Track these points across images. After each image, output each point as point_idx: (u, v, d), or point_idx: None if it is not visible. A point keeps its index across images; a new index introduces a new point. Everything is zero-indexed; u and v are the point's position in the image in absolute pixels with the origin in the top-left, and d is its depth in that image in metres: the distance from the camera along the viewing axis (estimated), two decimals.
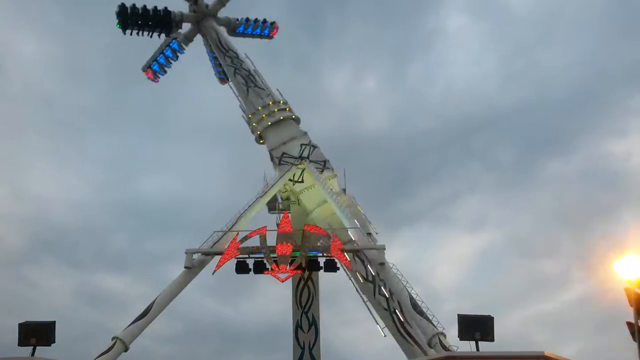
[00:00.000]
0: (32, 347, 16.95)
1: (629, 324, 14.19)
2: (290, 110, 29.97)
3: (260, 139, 29.96)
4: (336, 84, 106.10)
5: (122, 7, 31.61)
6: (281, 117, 29.33)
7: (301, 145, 27.52)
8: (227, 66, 32.25)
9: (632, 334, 14.11)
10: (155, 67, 34.64)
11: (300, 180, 26.95)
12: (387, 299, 22.63)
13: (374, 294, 23.03)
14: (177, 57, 34.47)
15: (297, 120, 29.98)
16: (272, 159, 28.66)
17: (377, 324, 22.64)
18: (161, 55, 34.09)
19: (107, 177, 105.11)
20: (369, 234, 24.21)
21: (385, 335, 22.46)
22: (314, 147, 27.58)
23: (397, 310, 22.01)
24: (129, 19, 31.84)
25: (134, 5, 31.81)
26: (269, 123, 29.11)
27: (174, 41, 33.62)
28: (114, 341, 18.59)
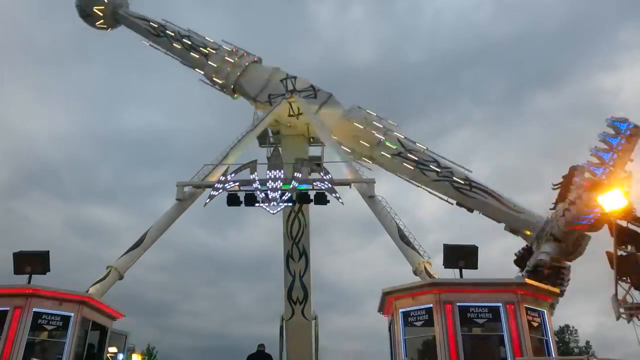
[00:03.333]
0: (27, 275, 17.31)
1: (608, 253, 14.86)
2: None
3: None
4: (321, 14, 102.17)
5: None
6: (247, 64, 28.83)
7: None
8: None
9: (611, 262, 14.81)
10: None
11: (300, 112, 26.73)
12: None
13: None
14: None
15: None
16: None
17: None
18: None
19: (88, 108, 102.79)
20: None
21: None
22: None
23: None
24: None
25: None
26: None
27: None
28: (108, 270, 18.98)
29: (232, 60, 29.07)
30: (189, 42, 30.24)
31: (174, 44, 30.58)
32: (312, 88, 27.23)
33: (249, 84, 28.63)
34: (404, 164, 24.90)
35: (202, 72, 30.14)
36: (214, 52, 29.53)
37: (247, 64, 28.91)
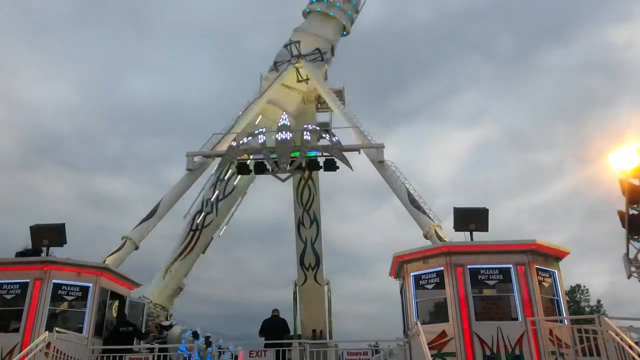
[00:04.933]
0: (45, 248, 17.66)
1: (620, 212, 14.80)
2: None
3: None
4: None
5: None
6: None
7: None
8: None
9: (622, 221, 14.76)
10: None
11: (307, 78, 26.38)
12: None
13: None
14: None
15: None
16: None
17: None
18: None
19: (93, 79, 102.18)
20: None
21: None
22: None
23: None
24: None
25: None
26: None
27: None
28: (124, 240, 19.30)
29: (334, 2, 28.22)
30: None
31: None
32: (317, 51, 26.69)
33: (307, 23, 28.22)
34: None
35: None
36: None
37: (331, 13, 27.92)
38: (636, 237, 15.43)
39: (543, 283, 14.87)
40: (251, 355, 14.73)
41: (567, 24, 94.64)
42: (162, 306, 23.78)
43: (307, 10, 28.49)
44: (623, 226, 15.21)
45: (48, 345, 13.09)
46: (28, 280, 15.04)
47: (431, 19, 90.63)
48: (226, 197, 25.42)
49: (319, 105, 28.08)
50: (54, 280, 15.17)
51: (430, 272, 15.23)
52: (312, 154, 21.11)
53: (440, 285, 14.93)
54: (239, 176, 25.04)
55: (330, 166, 21.21)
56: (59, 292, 15.25)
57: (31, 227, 17.90)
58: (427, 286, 15.29)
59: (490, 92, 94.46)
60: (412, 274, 15.56)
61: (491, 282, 14.79)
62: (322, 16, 28.00)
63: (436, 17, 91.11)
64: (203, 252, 25.59)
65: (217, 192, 25.33)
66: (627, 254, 15.59)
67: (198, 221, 24.79)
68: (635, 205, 15.40)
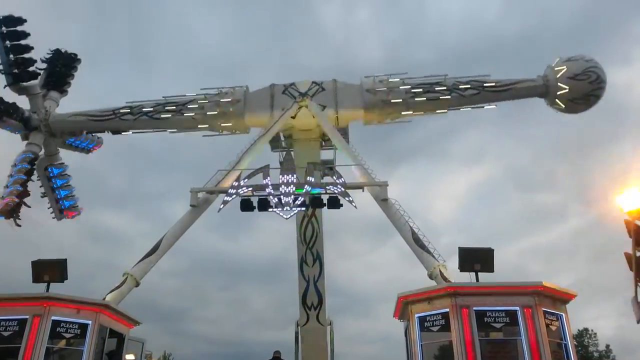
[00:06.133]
0: (45, 283, 17.48)
1: (627, 255, 14.59)
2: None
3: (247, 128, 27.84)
4: (328, 15, 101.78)
5: None
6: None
7: (282, 93, 26.48)
8: None
9: (629, 263, 14.54)
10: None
11: (293, 116, 25.92)
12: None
13: None
14: None
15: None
16: None
17: None
18: None
19: None
20: None
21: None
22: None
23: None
24: None
25: None
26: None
27: None
28: (125, 277, 19.11)
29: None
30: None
31: None
32: (315, 84, 26.66)
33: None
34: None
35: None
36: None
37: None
38: None
39: (550, 326, 14.60)
40: None
41: None
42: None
43: (365, 77, 26.99)
44: (630, 269, 14.99)
45: None
46: (27, 317, 14.83)
47: (431, 60, 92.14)
48: (153, 119, 26.52)
49: (323, 142, 28.17)
50: (53, 317, 14.96)
51: (436, 314, 14.99)
52: (316, 191, 21.11)
53: (445, 327, 14.66)
54: (171, 115, 26.31)
55: (334, 204, 21.15)
56: (58, 329, 15.03)
57: (33, 262, 17.78)
58: (432, 328, 15.01)
59: (492, 131, 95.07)
60: (416, 315, 15.31)
61: (498, 325, 14.53)
62: (359, 97, 26.17)
63: (436, 58, 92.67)
64: (113, 134, 27.93)
65: (155, 109, 26.55)
66: (636, 297, 15.29)
67: (121, 111, 26.72)
68: None
